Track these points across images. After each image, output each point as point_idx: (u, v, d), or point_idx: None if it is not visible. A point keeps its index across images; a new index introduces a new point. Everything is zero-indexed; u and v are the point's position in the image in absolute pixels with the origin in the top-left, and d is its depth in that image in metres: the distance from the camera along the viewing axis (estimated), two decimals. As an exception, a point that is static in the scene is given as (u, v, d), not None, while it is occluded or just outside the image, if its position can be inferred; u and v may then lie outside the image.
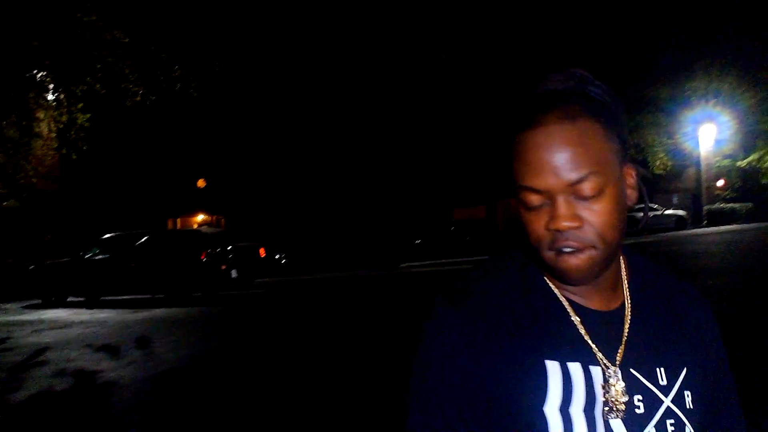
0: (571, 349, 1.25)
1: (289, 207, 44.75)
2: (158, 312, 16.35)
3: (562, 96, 1.26)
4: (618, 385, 1.23)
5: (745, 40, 39.47)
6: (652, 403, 1.24)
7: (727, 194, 43.88)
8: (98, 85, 18.08)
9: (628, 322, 1.30)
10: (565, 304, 1.30)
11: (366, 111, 44.05)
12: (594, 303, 1.31)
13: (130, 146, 42.50)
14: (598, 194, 1.18)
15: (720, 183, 44.59)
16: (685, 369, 1.29)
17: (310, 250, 39.32)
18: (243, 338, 11.58)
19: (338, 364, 8.48)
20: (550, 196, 1.19)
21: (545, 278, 1.34)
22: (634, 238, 32.03)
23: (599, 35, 41.46)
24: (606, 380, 1.23)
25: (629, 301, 1.33)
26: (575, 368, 1.23)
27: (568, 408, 1.20)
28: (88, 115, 19.22)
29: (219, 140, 43.59)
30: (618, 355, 1.26)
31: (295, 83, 43.64)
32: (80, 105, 18.90)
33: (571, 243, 1.19)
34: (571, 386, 1.22)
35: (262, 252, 28.70)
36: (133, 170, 44.08)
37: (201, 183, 44.19)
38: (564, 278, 1.24)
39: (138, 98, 18.79)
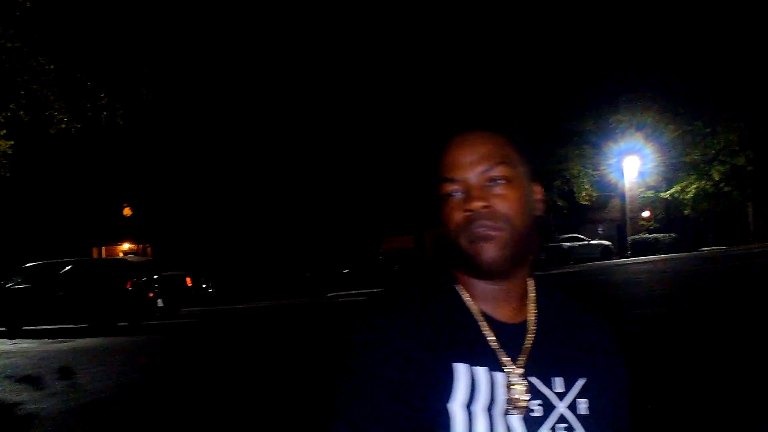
0: (479, 355, 1.37)
1: (217, 236, 44.25)
2: (82, 342, 15.97)
3: (483, 120, 1.48)
4: (519, 388, 1.35)
5: (666, 75, 40.62)
6: (548, 408, 1.36)
7: (651, 225, 44.83)
8: (22, 112, 17.71)
9: (532, 334, 1.43)
10: (477, 314, 1.43)
11: (295, 141, 43.93)
12: (503, 315, 1.44)
13: (55, 173, 41.62)
14: (506, 182, 1.38)
15: (646, 214, 45.52)
16: (581, 380, 1.41)
17: (238, 279, 38.90)
18: (169, 368, 11.37)
19: (264, 392, 8.39)
20: (466, 186, 1.38)
21: (461, 292, 1.46)
22: (562, 269, 32.50)
23: (527, 70, 42.15)
24: (509, 384, 1.35)
25: (535, 317, 1.46)
26: (481, 371, 1.35)
27: (471, 406, 1.32)
28: (11, 142, 18.82)
29: (146, 168, 42.98)
30: (520, 362, 1.38)
31: (222, 111, 43.34)
32: (3, 132, 18.51)
33: (484, 223, 1.36)
34: (476, 387, 1.34)
35: (188, 281, 28.28)
36: (58, 198, 43.19)
37: (127, 211, 43.41)
38: (480, 267, 1.39)
39: (63, 125, 18.44)
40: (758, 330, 8.41)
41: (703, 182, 41.82)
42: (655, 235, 42.37)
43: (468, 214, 1.37)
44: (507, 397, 1.34)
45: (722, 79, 39.05)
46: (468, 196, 1.37)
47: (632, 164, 43.83)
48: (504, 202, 1.37)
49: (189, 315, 23.72)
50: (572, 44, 41.53)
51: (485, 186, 1.38)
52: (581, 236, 41.50)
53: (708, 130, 40.78)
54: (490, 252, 1.36)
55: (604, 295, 15.51)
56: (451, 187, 1.40)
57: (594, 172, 44.69)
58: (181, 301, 25.31)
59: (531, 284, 1.52)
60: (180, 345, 14.71)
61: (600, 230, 47.63)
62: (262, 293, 35.59)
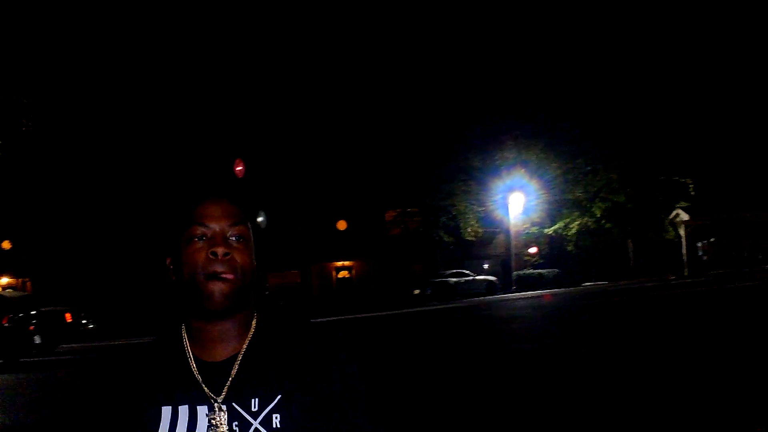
0: (184, 394, 1.61)
1: (100, 270, 42.59)
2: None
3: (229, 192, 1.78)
4: (219, 415, 1.58)
5: (549, 116, 41.56)
6: (245, 427, 1.58)
7: (536, 260, 45.46)
8: None
9: (237, 366, 1.63)
10: (191, 358, 1.65)
11: (177, 171, 42.83)
12: (214, 356, 1.66)
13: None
14: (242, 239, 1.66)
15: (533, 250, 46.15)
16: (278, 397, 1.61)
17: (121, 314, 37.47)
18: (45, 407, 10.63)
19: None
20: (213, 234, 1.63)
21: (184, 340, 1.69)
22: (447, 304, 32.47)
23: (413, 108, 42.38)
24: (211, 412, 1.58)
25: (244, 350, 1.67)
26: (183, 410, 1.60)
27: None
28: None
29: (26, 200, 41.15)
30: (224, 392, 1.60)
31: (100, 145, 41.92)
32: None
33: (222, 266, 1.58)
34: (176, 423, 1.59)
35: (68, 317, 27.05)
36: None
37: (6, 244, 41.49)
38: (207, 302, 1.59)
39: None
40: (623, 369, 8.26)
41: (586, 219, 42.75)
42: (539, 270, 42.91)
43: (212, 256, 1.59)
44: (209, 424, 1.58)
45: (602, 121, 40.20)
46: (215, 242, 1.61)
47: (517, 201, 44.39)
48: (240, 255, 1.63)
49: (67, 352, 22.60)
50: (459, 84, 42.02)
51: (228, 238, 1.63)
52: (467, 272, 41.58)
53: (589, 168, 41.79)
54: (221, 291, 1.58)
55: (486, 330, 15.34)
56: (200, 231, 1.62)
57: (480, 209, 45.04)
58: (60, 337, 24.37)
59: (254, 320, 1.74)
60: (55, 384, 13.74)
61: (485, 266, 47.97)
62: (146, 329, 34.45)
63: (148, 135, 41.58)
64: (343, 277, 48.70)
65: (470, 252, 47.15)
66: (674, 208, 42.20)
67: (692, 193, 41.84)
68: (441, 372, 9.15)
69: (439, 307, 29.37)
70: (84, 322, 30.17)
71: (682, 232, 42.34)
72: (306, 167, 42.47)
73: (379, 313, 27.43)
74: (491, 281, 41.28)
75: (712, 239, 43.22)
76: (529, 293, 35.03)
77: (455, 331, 16.16)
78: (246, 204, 1.76)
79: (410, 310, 29.00)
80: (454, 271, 41.72)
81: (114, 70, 40.93)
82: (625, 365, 8.48)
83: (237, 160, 41.31)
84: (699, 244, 43.85)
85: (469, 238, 44.85)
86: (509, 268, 44.94)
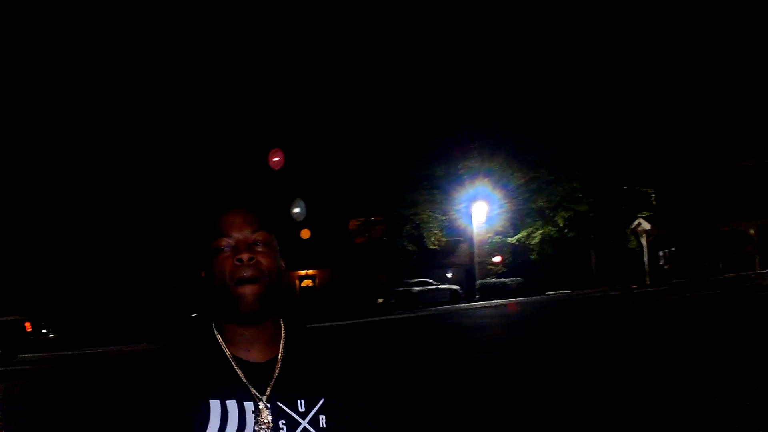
0: (231, 391, 1.69)
1: (61, 279, 41.86)
2: None
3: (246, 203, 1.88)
4: (265, 412, 1.67)
5: (513, 125, 41.64)
6: (293, 426, 1.68)
7: (499, 269, 45.49)
8: None
9: (278, 368, 1.75)
10: (230, 357, 1.74)
11: (134, 178, 42.31)
12: (253, 356, 1.76)
13: None
14: (265, 243, 1.77)
15: (497, 259, 46.18)
16: (322, 400, 1.74)
17: (83, 323, 36.85)
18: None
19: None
20: (237, 242, 1.74)
21: (219, 340, 1.78)
22: (411, 313, 32.33)
23: (376, 117, 42.27)
24: (257, 409, 1.67)
25: (282, 353, 1.79)
26: (231, 404, 1.67)
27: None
28: None
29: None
30: (267, 391, 1.70)
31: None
32: None
33: (249, 271, 1.70)
34: (227, 417, 1.65)
35: (28, 326, 26.56)
36: None
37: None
38: (240, 305, 1.70)
39: None
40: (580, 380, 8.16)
41: (548, 228, 42.86)
42: (502, 279, 42.91)
43: (237, 263, 1.70)
44: (255, 420, 1.66)
45: (564, 131, 40.37)
46: (238, 249, 1.72)
47: (480, 210, 44.45)
48: (264, 258, 1.73)
49: (27, 362, 22.11)
50: (423, 93, 41.98)
51: (250, 245, 1.74)
52: (430, 280, 41.49)
53: (552, 177, 41.90)
54: (252, 293, 1.69)
55: (450, 339, 15.22)
56: (225, 241, 1.74)
57: (443, 217, 45.05)
58: (20, 347, 24.08)
59: (282, 327, 1.86)
60: (15, 395, 13.36)
61: (449, 274, 47.94)
62: (107, 338, 33.91)
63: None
64: (307, 286, 48.46)
65: (434, 261, 47.09)
66: (636, 218, 42.43)
67: (654, 202, 42.18)
68: (405, 381, 9.00)
69: (402, 316, 29.24)
70: (44, 331, 29.62)
71: (643, 241, 42.59)
72: (270, 175, 42.14)
73: (343, 322, 27.23)
74: (455, 290, 41.22)
75: (673, 248, 43.54)
76: (493, 302, 35.01)
77: (419, 340, 16.03)
78: (265, 211, 1.88)
79: (374, 319, 28.82)
80: (418, 280, 41.62)
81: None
82: (592, 372, 8.38)
83: (273, 151, 41.05)
84: (660, 253, 44.15)
85: (433, 247, 44.82)
86: (473, 277, 44.94)
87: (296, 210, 42.41)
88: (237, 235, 1.74)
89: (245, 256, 1.69)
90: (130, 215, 42.40)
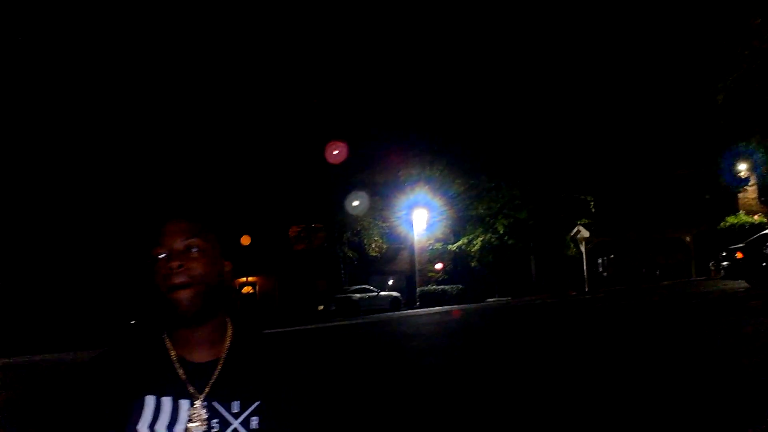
0: (168, 388, 1.78)
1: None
2: None
3: (184, 210, 1.93)
4: (199, 410, 1.75)
5: (452, 133, 41.64)
6: (225, 425, 1.76)
7: (439, 276, 45.47)
8: None
9: (219, 368, 1.83)
10: (174, 357, 1.84)
11: (78, 188, 41.26)
12: (196, 356, 1.84)
13: None
14: (200, 250, 1.83)
15: (439, 266, 46.21)
16: (258, 402, 1.81)
17: (15, 330, 35.78)
18: None
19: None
20: (169, 250, 1.81)
21: (166, 343, 1.87)
22: (351, 320, 32.01)
23: (316, 123, 41.94)
24: (192, 407, 1.75)
25: (225, 354, 1.86)
26: (166, 400, 1.76)
27: (154, 426, 1.73)
28: None
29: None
30: (205, 391, 1.79)
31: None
32: None
33: (179, 277, 1.77)
34: (160, 411, 1.74)
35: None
36: None
37: None
38: (177, 309, 1.78)
39: None
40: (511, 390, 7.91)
41: (489, 235, 42.89)
42: (443, 286, 42.86)
43: (169, 270, 1.77)
44: (189, 418, 1.74)
45: (505, 138, 40.48)
46: (170, 257, 1.79)
47: (421, 217, 44.38)
48: (198, 264, 1.80)
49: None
50: (363, 99, 41.76)
51: (184, 252, 1.81)
52: (371, 287, 41.25)
53: (492, 184, 41.95)
54: (185, 298, 1.77)
55: (390, 346, 14.94)
56: (160, 250, 1.81)
57: (384, 224, 44.93)
58: None
59: (229, 328, 1.93)
60: None
61: (390, 281, 47.81)
62: (36, 346, 32.91)
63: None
64: (247, 293, 48.01)
65: (375, 268, 46.91)
66: (575, 225, 42.73)
67: (593, 210, 42.52)
68: (346, 388, 8.68)
69: (342, 323, 28.91)
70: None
71: (583, 248, 42.89)
72: (209, 181, 41.55)
73: (283, 329, 26.78)
74: (395, 297, 41.10)
75: (611, 256, 43.95)
76: (434, 309, 34.87)
77: (359, 347, 15.71)
78: (207, 216, 1.93)
79: (314, 326, 28.45)
80: (359, 287, 41.37)
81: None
82: (537, 377, 8.16)
83: (333, 143, 40.25)
84: (599, 261, 44.55)
85: (374, 254, 44.65)
86: (413, 284, 44.82)
87: (355, 203, 41.86)
88: (171, 243, 1.82)
89: (175, 264, 1.78)
90: (75, 220, 41.38)
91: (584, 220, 42.28)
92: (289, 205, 43.07)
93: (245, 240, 45.04)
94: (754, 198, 40.47)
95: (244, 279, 47.92)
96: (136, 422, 1.71)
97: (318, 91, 41.61)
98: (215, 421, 1.74)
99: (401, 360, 11.61)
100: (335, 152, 40.76)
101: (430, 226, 45.14)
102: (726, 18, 26.48)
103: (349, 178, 42.02)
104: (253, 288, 48.34)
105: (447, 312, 28.65)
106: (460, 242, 44.42)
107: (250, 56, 41.31)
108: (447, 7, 40.89)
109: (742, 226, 34.84)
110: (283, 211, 43.68)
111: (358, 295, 39.88)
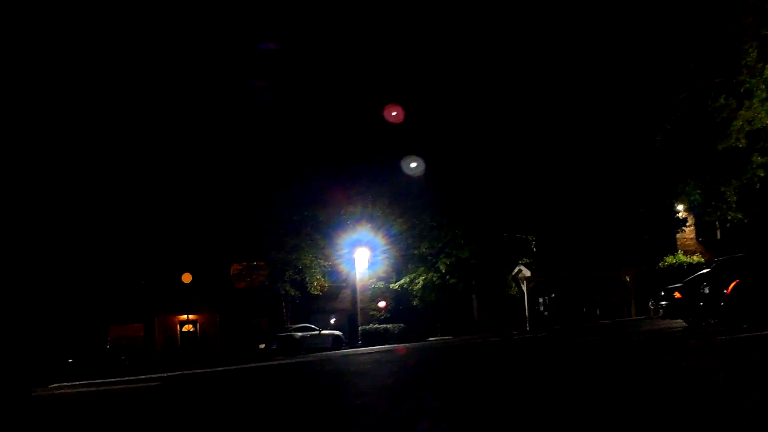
0: None
1: None
2: None
3: None
4: None
5: (395, 171, 41.62)
6: None
7: (382, 315, 45.24)
8: None
9: None
10: None
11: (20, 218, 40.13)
12: None
13: None
14: None
15: (382, 304, 45.98)
16: None
17: None
18: None
19: None
20: None
21: None
22: (293, 358, 31.51)
23: (259, 161, 41.58)
24: None
25: None
26: None
27: None
28: None
29: None
30: None
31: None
32: None
33: None
34: None
35: None
36: None
37: None
38: None
39: None
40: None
41: (431, 274, 42.80)
42: (385, 325, 42.69)
43: None
44: None
45: (447, 178, 40.52)
46: None
47: (363, 255, 44.21)
48: None
49: None
50: (304, 138, 41.56)
51: None
52: (313, 326, 40.83)
53: (435, 223, 41.95)
54: None
55: (331, 385, 14.55)
56: None
57: (326, 263, 44.71)
58: None
59: None
60: None
61: (332, 320, 47.46)
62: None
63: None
64: (188, 331, 47.14)
65: (317, 306, 46.54)
66: (517, 264, 42.87)
67: (534, 249, 42.77)
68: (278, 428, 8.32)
69: (284, 362, 28.39)
70: None
71: (524, 288, 43.00)
72: (151, 217, 40.91)
73: (223, 368, 26.16)
74: (337, 336, 40.75)
75: (552, 295, 44.16)
76: (376, 348, 34.54)
77: (299, 387, 15.31)
78: None
79: (255, 365, 27.88)
80: (300, 325, 40.96)
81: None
82: (478, 415, 7.92)
83: (391, 106, 39.21)
84: (540, 300, 44.71)
85: (316, 293, 44.28)
86: (355, 323, 44.50)
87: (413, 165, 41.14)
88: None
89: None
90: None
91: (526, 260, 42.41)
92: (231, 243, 42.55)
93: (186, 278, 44.34)
94: (692, 238, 41.13)
95: (184, 317, 47.08)
96: None
97: (260, 128, 41.30)
98: None
99: (339, 398, 11.29)
100: (394, 113, 40.25)
101: (372, 264, 44.98)
102: (665, 60, 26.92)
103: (291, 216, 41.72)
104: (194, 326, 47.49)
105: (389, 351, 28.38)
106: (402, 281, 44.30)
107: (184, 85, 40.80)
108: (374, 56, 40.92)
109: (681, 265, 35.31)
110: (225, 249, 43.13)
111: (300, 334, 39.46)
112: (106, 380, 27.89)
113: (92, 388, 22.33)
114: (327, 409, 9.94)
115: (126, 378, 27.76)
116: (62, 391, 23.24)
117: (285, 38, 39.62)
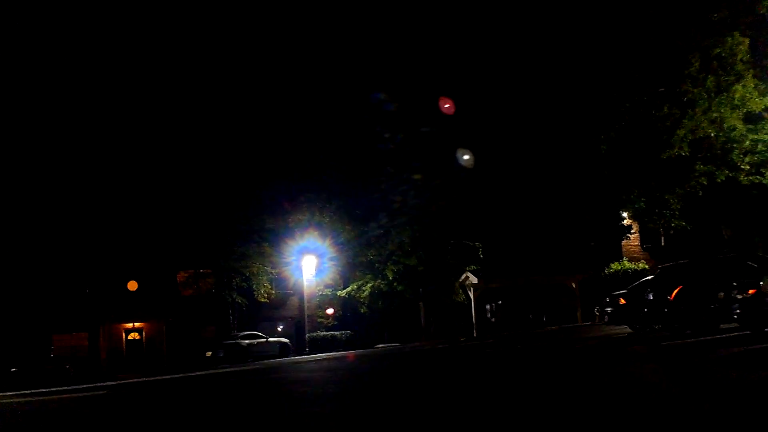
0: None
1: None
2: None
3: None
4: None
5: (342, 179, 41.51)
6: None
7: (329, 322, 45.07)
8: None
9: None
10: None
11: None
12: None
13: None
14: None
15: (330, 311, 45.84)
16: None
17: None
18: None
19: None
20: None
21: None
22: (239, 366, 31.17)
23: (205, 169, 41.16)
24: None
25: None
26: None
27: None
28: None
29: None
30: None
31: None
32: None
33: None
34: None
35: None
36: None
37: None
38: None
39: None
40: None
41: (378, 281, 42.62)
42: (332, 332, 42.57)
43: None
44: None
45: (393, 184, 40.50)
46: None
47: (310, 263, 43.96)
48: None
49: None
50: (251, 145, 41.24)
51: None
52: (260, 333, 40.46)
53: (382, 231, 41.87)
54: None
55: (277, 393, 14.36)
56: None
57: (273, 270, 44.44)
58: None
59: None
60: None
61: (280, 327, 47.16)
62: None
63: None
64: (134, 339, 46.46)
65: (264, 314, 46.16)
66: (464, 271, 42.93)
67: (481, 256, 42.82)
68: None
69: (230, 369, 28.06)
70: None
71: (471, 294, 43.05)
72: (96, 224, 40.28)
73: (169, 377, 25.76)
74: (284, 343, 40.46)
75: (500, 302, 44.33)
76: (323, 355, 34.35)
77: (245, 395, 15.08)
78: None
79: (201, 373, 27.51)
80: (247, 333, 40.57)
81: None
82: (427, 421, 7.82)
83: (444, 99, 38.42)
84: (487, 307, 44.84)
85: (263, 300, 43.92)
86: (303, 330, 44.25)
87: (465, 157, 40.42)
88: None
89: None
90: None
91: (473, 267, 42.51)
92: (177, 250, 42.02)
93: (132, 285, 43.75)
94: (637, 245, 41.59)
95: (130, 325, 46.43)
96: None
97: (208, 134, 40.89)
98: None
99: (291, 407, 11.12)
100: (447, 105, 39.82)
101: (319, 272, 44.81)
102: (611, 69, 27.22)
103: (238, 224, 41.36)
104: (140, 334, 46.83)
105: (336, 358, 28.25)
106: (349, 288, 44.08)
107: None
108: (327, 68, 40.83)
109: (626, 272, 35.68)
110: (171, 256, 42.59)
111: (246, 341, 39.09)
112: (51, 389, 27.27)
113: (36, 398, 21.76)
114: (273, 420, 9.77)
115: (71, 387, 27.18)
116: (5, 401, 22.62)
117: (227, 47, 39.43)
